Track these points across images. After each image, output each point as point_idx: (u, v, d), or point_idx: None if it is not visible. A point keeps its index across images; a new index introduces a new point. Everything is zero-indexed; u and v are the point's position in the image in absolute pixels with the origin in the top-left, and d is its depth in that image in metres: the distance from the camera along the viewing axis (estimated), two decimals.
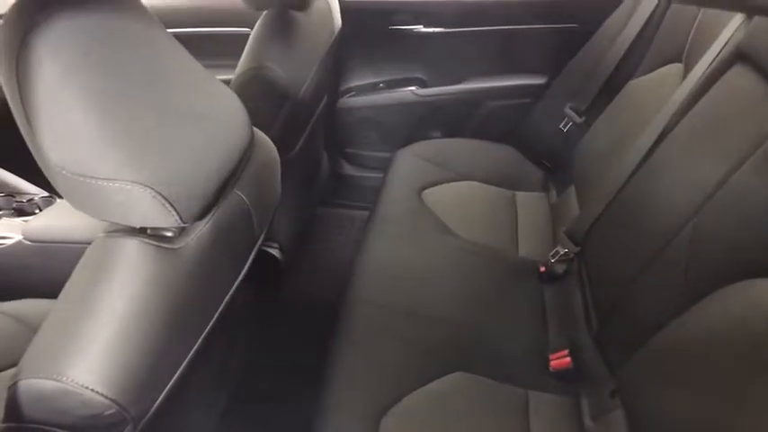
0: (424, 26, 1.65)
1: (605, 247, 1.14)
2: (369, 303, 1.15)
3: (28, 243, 1.15)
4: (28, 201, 1.29)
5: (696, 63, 1.07)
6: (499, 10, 1.63)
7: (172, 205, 0.55)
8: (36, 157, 0.54)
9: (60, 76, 0.50)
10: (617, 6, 1.47)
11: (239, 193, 0.69)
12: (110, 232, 0.58)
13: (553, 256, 1.25)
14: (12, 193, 1.32)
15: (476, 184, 1.53)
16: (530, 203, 1.52)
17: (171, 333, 0.58)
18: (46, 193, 1.31)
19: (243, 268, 0.74)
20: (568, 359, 1.05)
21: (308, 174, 1.62)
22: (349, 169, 1.92)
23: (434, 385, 0.99)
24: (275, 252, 1.41)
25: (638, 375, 0.88)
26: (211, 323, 0.67)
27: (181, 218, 0.56)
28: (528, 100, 1.70)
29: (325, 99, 1.51)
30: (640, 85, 1.32)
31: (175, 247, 0.59)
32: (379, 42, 1.70)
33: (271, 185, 0.82)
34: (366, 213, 1.46)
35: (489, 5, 1.63)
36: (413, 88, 1.75)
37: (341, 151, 1.90)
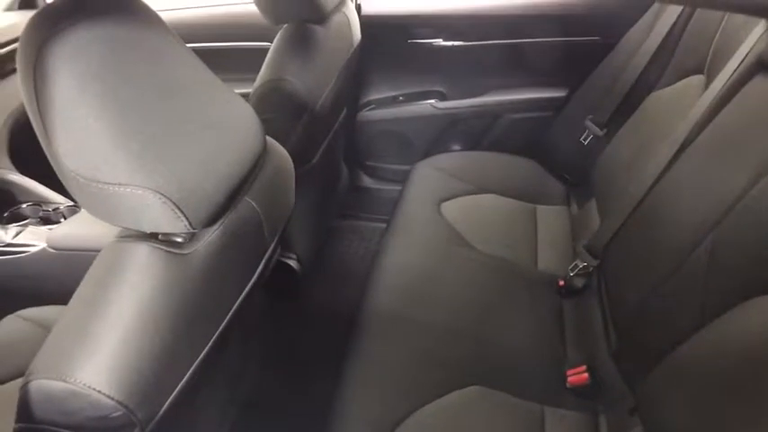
0: (444, 39, 1.66)
1: (624, 261, 1.12)
2: (384, 314, 1.14)
3: (51, 251, 1.18)
4: (54, 210, 1.33)
5: (718, 74, 1.05)
6: (519, 23, 1.63)
7: (181, 211, 0.56)
8: (52, 164, 0.56)
9: (75, 83, 0.51)
10: (638, 19, 1.46)
11: (250, 201, 0.70)
12: (121, 237, 0.60)
13: (572, 270, 1.23)
14: (39, 202, 1.36)
15: (495, 197, 1.52)
16: (550, 217, 1.50)
17: (179, 338, 0.59)
18: (71, 203, 1.34)
19: (253, 276, 0.74)
20: (586, 375, 1.02)
21: (326, 186, 1.63)
22: (368, 182, 1.93)
23: (449, 399, 0.97)
24: (293, 263, 1.42)
25: (657, 392, 0.85)
26: (220, 329, 0.67)
27: (190, 223, 0.57)
28: (548, 113, 1.69)
29: (344, 111, 1.52)
30: (662, 97, 1.30)
31: (185, 252, 0.60)
32: (398, 56, 1.71)
33: (283, 195, 0.83)
34: (385, 226, 1.46)
35: (509, 19, 1.63)
36: (432, 101, 1.75)
37: (360, 164, 1.91)
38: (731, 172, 0.86)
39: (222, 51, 1.69)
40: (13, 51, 1.41)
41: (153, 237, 0.60)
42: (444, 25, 1.65)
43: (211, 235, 0.63)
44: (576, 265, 1.23)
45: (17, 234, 1.23)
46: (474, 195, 1.52)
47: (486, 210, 1.49)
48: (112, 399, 0.52)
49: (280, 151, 0.83)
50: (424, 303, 1.18)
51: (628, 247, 1.12)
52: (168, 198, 0.55)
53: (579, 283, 1.24)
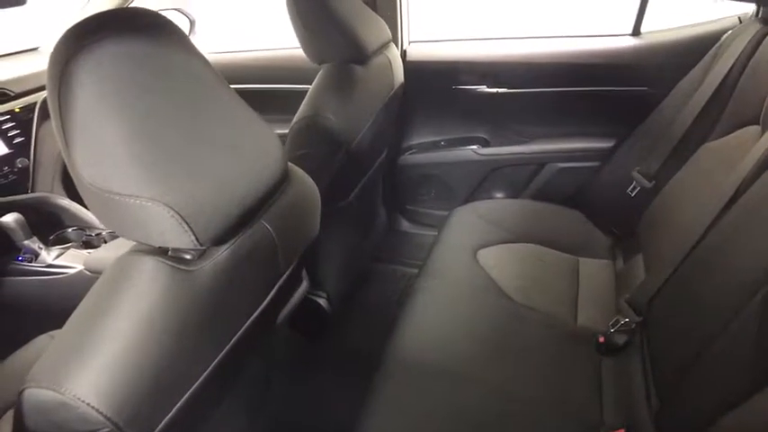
0: (488, 86, 1.66)
1: (670, 318, 1.04)
2: (411, 360, 1.10)
3: (87, 273, 1.21)
4: (96, 235, 1.38)
5: None
6: (565, 72, 1.62)
7: (189, 226, 0.55)
8: (71, 174, 0.57)
9: (96, 95, 0.53)
10: (688, 70, 1.42)
11: (266, 225, 0.69)
12: (132, 251, 0.59)
13: (613, 326, 1.16)
14: (83, 227, 1.41)
15: (536, 246, 1.47)
16: (593, 271, 1.43)
17: (177, 356, 0.57)
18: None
19: (263, 301, 0.72)
20: None
21: (362, 226, 1.62)
22: (406, 226, 1.91)
23: None
24: (322, 302, 1.40)
25: None
26: (225, 352, 0.65)
27: (197, 239, 0.56)
28: (594, 163, 1.64)
29: (384, 153, 1.53)
30: (714, 149, 1.24)
31: (191, 269, 0.59)
32: (442, 101, 1.72)
33: (304, 224, 0.82)
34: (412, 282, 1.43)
35: (555, 67, 1.62)
36: (474, 147, 1.74)
37: (400, 207, 1.90)
38: None
39: (265, 92, 1.74)
40: None
41: (163, 253, 0.59)
42: (489, 72, 1.65)
43: (221, 254, 0.62)
44: (618, 321, 1.16)
45: (58, 255, 1.27)
46: (513, 244, 1.47)
47: (526, 259, 1.44)
48: (101, 413, 0.51)
49: (305, 180, 0.82)
50: (453, 352, 1.13)
51: (673, 304, 1.05)
52: (177, 212, 0.55)
53: (620, 340, 1.15)
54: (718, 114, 1.29)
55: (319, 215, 0.88)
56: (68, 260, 1.27)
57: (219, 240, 0.61)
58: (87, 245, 1.36)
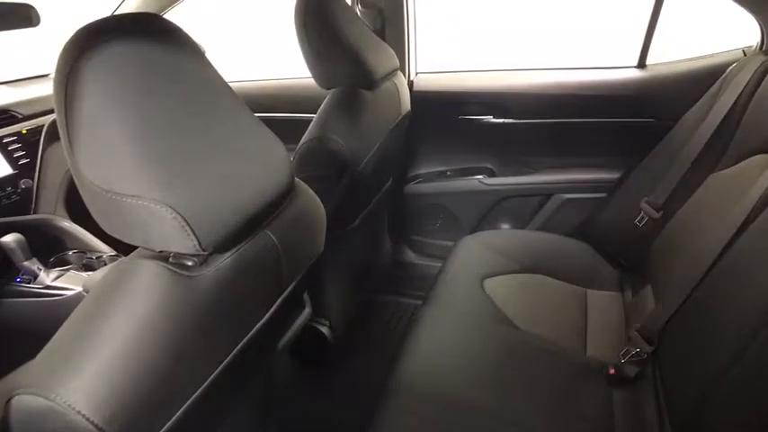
0: (495, 117, 1.67)
1: (682, 348, 1.01)
2: (415, 389, 1.06)
3: (86, 295, 1.18)
4: (97, 258, 1.36)
5: None
6: (571, 103, 1.62)
7: (192, 229, 0.54)
8: (73, 175, 0.56)
9: (103, 94, 0.52)
10: (695, 101, 1.42)
11: (270, 235, 0.67)
12: (133, 256, 0.58)
13: (623, 356, 1.12)
14: (84, 250, 1.40)
15: (543, 277, 1.44)
16: (602, 303, 1.40)
17: (174, 366, 0.55)
18: (114, 252, 1.37)
19: (265, 313, 0.70)
20: None
21: (366, 255, 1.60)
22: (412, 257, 1.89)
23: None
24: (325, 330, 1.37)
25: None
26: (222, 367, 0.62)
27: (200, 243, 0.54)
28: (601, 194, 1.63)
29: (390, 182, 1.52)
30: (723, 178, 1.23)
31: (192, 275, 0.57)
32: (448, 131, 1.73)
33: (309, 239, 0.80)
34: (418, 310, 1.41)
35: (561, 98, 1.63)
36: (481, 177, 1.74)
37: (405, 238, 1.88)
38: None
39: (270, 121, 1.75)
40: None
41: (164, 259, 0.57)
42: (495, 102, 1.67)
43: (223, 261, 0.60)
44: (629, 351, 1.12)
45: (57, 277, 1.25)
46: (520, 274, 1.45)
47: (533, 290, 1.41)
48: (90, 422, 0.48)
49: (311, 196, 0.81)
50: (460, 381, 1.10)
51: (686, 333, 1.02)
52: (179, 214, 0.53)
53: (632, 371, 1.11)
54: (725, 144, 1.29)
55: (324, 233, 0.86)
56: (67, 282, 1.25)
57: (222, 247, 0.59)
58: (88, 267, 1.34)
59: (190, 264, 0.58)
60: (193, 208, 0.54)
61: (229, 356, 0.63)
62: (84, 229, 1.43)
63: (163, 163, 0.54)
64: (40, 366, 0.52)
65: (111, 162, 0.53)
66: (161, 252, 0.57)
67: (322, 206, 0.85)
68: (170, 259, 0.58)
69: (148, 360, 0.52)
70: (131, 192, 0.53)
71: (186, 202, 0.54)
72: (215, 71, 0.66)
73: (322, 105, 1.22)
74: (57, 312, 1.20)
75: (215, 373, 0.61)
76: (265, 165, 0.67)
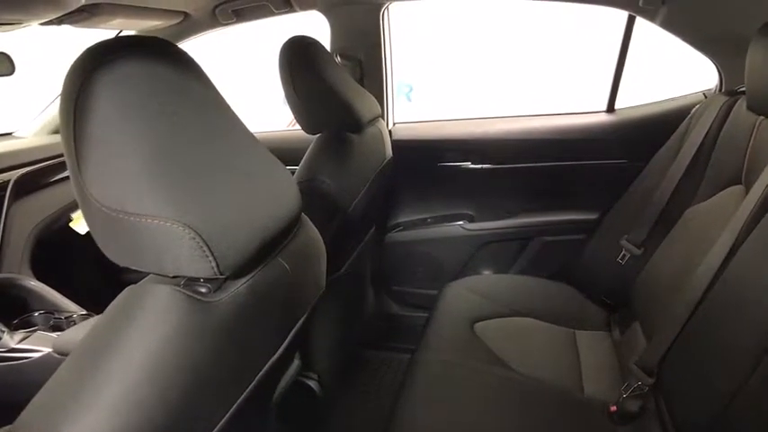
0: (473, 163, 1.70)
1: (685, 376, 1.00)
2: None
3: (57, 356, 1.09)
4: (66, 318, 1.27)
5: (757, 179, 1.03)
6: (546, 147, 1.67)
7: (210, 250, 0.50)
8: (77, 196, 0.53)
9: (115, 111, 0.50)
10: (663, 142, 1.49)
11: (283, 263, 0.64)
12: (142, 282, 0.53)
13: (625, 390, 1.10)
14: (52, 310, 1.30)
15: (531, 320, 1.43)
16: (592, 342, 1.40)
17: (188, 402, 0.49)
18: (84, 312, 1.28)
19: (279, 347, 0.65)
20: None
21: (352, 305, 1.55)
22: (396, 308, 1.85)
23: None
24: (313, 384, 1.30)
25: None
26: (238, 402, 0.57)
27: (218, 266, 0.51)
28: (581, 235, 1.66)
29: (373, 229, 1.50)
30: (700, 211, 1.28)
31: (209, 300, 0.53)
32: (428, 178, 1.75)
33: (315, 270, 0.77)
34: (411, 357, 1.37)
35: (536, 143, 1.68)
36: (461, 223, 1.74)
37: (387, 289, 1.85)
38: None
39: None
40: (43, 169, 1.48)
41: (177, 284, 0.53)
42: (473, 149, 1.70)
43: (239, 287, 0.56)
44: (630, 386, 1.10)
45: (23, 339, 1.15)
46: (509, 318, 1.43)
47: (524, 333, 1.40)
48: None
49: (313, 227, 0.79)
50: (456, 427, 1.06)
51: (686, 362, 1.02)
52: (198, 234, 0.50)
53: (634, 406, 1.09)
54: (699, 179, 1.34)
55: (325, 269, 0.83)
56: (34, 343, 1.15)
57: (239, 271, 0.55)
58: (56, 329, 1.24)
59: (203, 290, 0.54)
60: (211, 229, 0.51)
61: (246, 392, 0.58)
62: (52, 288, 1.34)
63: (178, 182, 0.51)
64: (42, 402, 0.46)
65: (124, 181, 0.50)
66: (174, 277, 0.53)
67: (322, 240, 0.83)
68: (181, 284, 0.54)
69: (162, 394, 0.47)
70: (145, 211, 0.49)
71: (204, 222, 0.51)
72: (218, 92, 0.64)
73: (309, 149, 1.21)
74: (25, 378, 1.10)
75: (232, 409, 0.56)
76: (275, 187, 0.64)
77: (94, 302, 1.38)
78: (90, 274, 1.71)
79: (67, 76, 0.52)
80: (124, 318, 0.50)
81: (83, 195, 0.51)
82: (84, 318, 1.27)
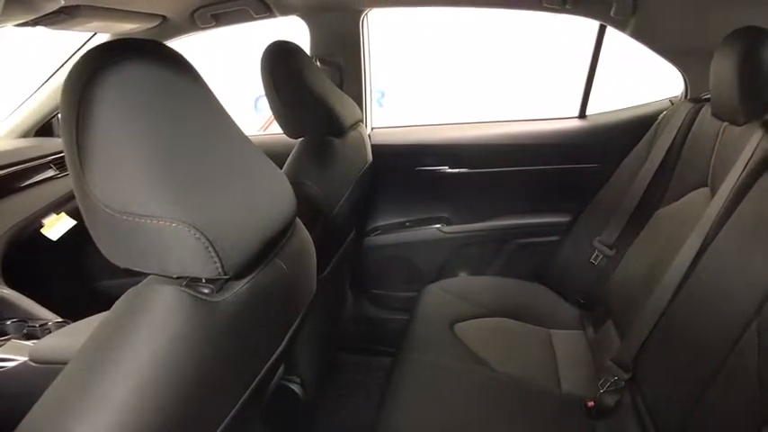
0: (450, 167, 1.73)
1: (659, 370, 1.05)
2: None
3: (34, 365, 1.07)
4: (41, 326, 1.24)
5: (722, 182, 1.08)
6: (521, 152, 1.71)
7: (215, 251, 0.51)
8: (79, 199, 0.53)
9: (119, 112, 0.50)
10: (632, 147, 1.54)
11: (281, 263, 0.65)
12: (146, 283, 0.53)
13: (602, 386, 1.14)
14: (25, 318, 1.27)
15: (508, 320, 1.47)
16: (567, 342, 1.44)
17: (194, 401, 0.50)
18: (60, 319, 1.26)
19: (278, 347, 0.66)
20: None
21: (333, 308, 1.56)
22: (374, 311, 1.86)
23: None
24: (296, 387, 1.30)
25: None
26: (239, 404, 0.57)
27: (222, 266, 0.52)
28: (554, 237, 1.70)
29: (353, 233, 1.51)
30: (669, 213, 1.33)
31: (213, 300, 0.53)
32: (406, 182, 1.77)
33: (308, 272, 0.78)
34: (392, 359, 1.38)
35: (511, 147, 1.72)
36: (438, 226, 1.77)
37: (366, 292, 1.86)
38: (763, 257, 0.86)
39: None
40: (11, 174, 1.43)
41: (180, 285, 0.54)
42: (450, 154, 1.73)
43: (241, 287, 0.57)
44: (606, 381, 1.14)
45: None
46: (488, 318, 1.46)
47: (502, 332, 1.43)
48: None
49: (304, 228, 0.80)
50: (441, 426, 1.09)
51: (660, 357, 1.06)
52: (202, 233, 0.50)
53: (611, 401, 1.13)
54: (668, 182, 1.39)
55: (316, 270, 0.84)
56: (9, 352, 1.12)
57: (241, 273, 0.56)
58: (30, 337, 1.21)
59: (206, 291, 0.54)
60: (216, 229, 0.52)
61: (246, 393, 0.59)
62: (26, 296, 1.31)
63: (182, 183, 0.52)
64: (47, 406, 0.46)
65: (129, 182, 0.50)
66: (177, 278, 0.53)
67: (312, 242, 0.83)
68: (185, 285, 0.54)
69: (170, 394, 0.48)
70: (149, 212, 0.50)
71: (209, 222, 0.51)
72: (213, 94, 0.65)
73: (292, 153, 1.21)
74: (1, 388, 1.07)
75: (233, 410, 0.56)
76: (273, 188, 0.65)
77: (68, 309, 1.34)
78: (63, 281, 1.67)
79: (68, 78, 0.52)
80: (131, 318, 0.50)
81: (85, 197, 0.51)
82: (59, 325, 1.24)
